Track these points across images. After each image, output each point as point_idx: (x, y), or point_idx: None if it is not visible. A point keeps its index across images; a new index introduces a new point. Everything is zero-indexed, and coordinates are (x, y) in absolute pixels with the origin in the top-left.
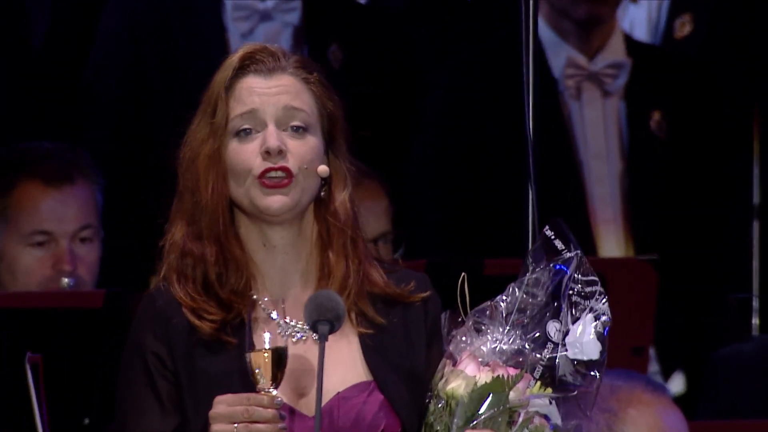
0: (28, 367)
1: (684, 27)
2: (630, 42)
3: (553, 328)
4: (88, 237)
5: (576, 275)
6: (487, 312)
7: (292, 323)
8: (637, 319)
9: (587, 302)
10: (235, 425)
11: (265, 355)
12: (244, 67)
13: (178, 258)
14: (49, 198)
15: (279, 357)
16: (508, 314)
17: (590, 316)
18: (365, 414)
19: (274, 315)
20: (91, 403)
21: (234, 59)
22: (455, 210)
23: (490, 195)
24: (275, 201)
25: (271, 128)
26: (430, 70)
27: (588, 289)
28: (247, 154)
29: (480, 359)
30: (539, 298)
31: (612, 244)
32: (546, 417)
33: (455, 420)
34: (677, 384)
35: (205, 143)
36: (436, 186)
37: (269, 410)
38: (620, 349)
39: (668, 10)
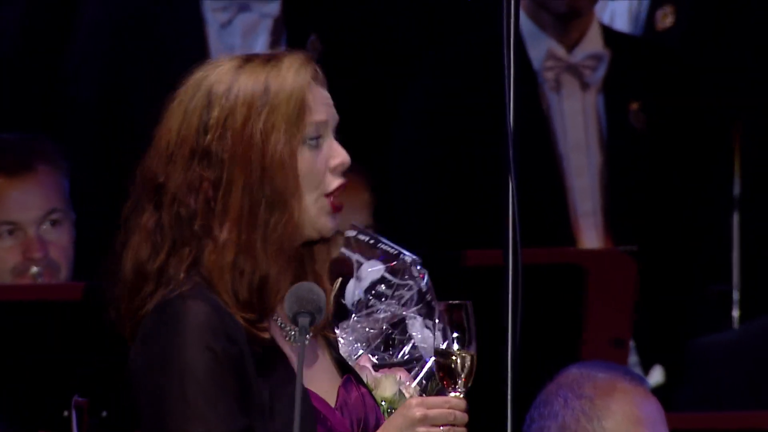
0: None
1: (666, 18)
2: (608, 33)
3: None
4: (57, 220)
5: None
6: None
7: (287, 328)
8: (616, 311)
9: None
10: (441, 428)
11: (461, 356)
12: (314, 74)
13: (232, 260)
14: (11, 189)
15: (473, 359)
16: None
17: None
18: (368, 402)
19: (280, 323)
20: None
21: (306, 63)
22: (436, 202)
23: (470, 187)
24: (336, 225)
25: (335, 143)
26: (411, 63)
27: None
28: (320, 166)
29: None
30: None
31: (592, 236)
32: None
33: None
34: (656, 376)
35: (289, 142)
36: (416, 178)
37: (465, 414)
38: (601, 341)
39: (650, 1)
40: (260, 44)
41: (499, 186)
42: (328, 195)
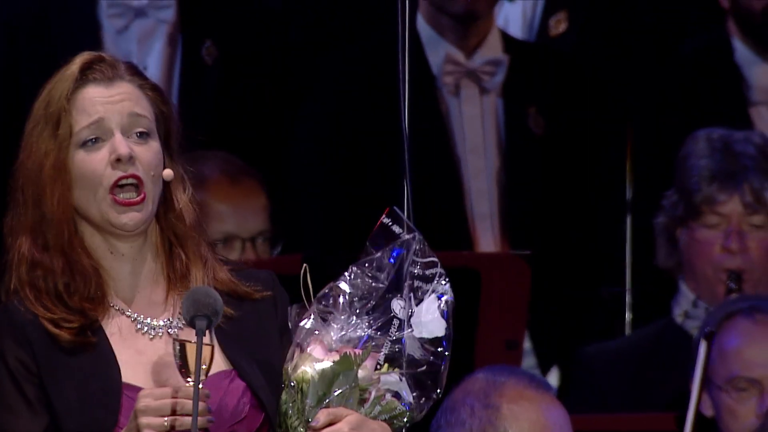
0: None
1: (559, 25)
2: (507, 39)
3: (397, 305)
4: None
5: (415, 257)
6: (331, 299)
7: (147, 320)
8: (510, 313)
9: (428, 285)
10: (166, 418)
11: (204, 347)
12: (83, 78)
13: (27, 270)
14: None
15: (210, 350)
16: (352, 301)
17: (433, 296)
18: (227, 401)
19: (128, 312)
20: None
21: (73, 70)
22: (333, 205)
23: (367, 190)
24: (131, 218)
25: (119, 136)
26: (306, 67)
27: (428, 272)
28: (95, 163)
29: (328, 347)
30: (381, 282)
31: (488, 239)
32: (398, 395)
33: (307, 401)
34: (552, 379)
35: (48, 155)
36: (314, 181)
37: (199, 403)
38: (494, 342)
39: (543, 8)
40: (156, 50)
41: (396, 188)
42: (111, 192)
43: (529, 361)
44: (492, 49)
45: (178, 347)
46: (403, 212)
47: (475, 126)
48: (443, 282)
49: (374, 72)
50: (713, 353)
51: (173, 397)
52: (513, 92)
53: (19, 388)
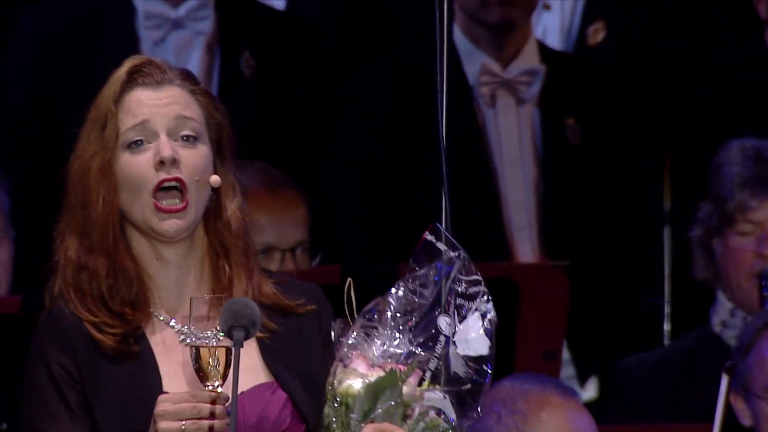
0: None
1: (597, 34)
2: (544, 49)
3: (443, 322)
4: None
5: (459, 275)
6: (375, 314)
7: (190, 331)
8: (549, 324)
9: (471, 303)
10: (183, 422)
11: (213, 351)
12: (131, 81)
13: (73, 273)
14: None
15: (227, 354)
16: (395, 317)
17: (476, 314)
18: (269, 412)
19: (172, 323)
20: (9, 408)
21: (121, 73)
22: (371, 216)
23: (405, 201)
24: (171, 225)
25: (164, 138)
26: (346, 79)
27: (472, 290)
28: (140, 166)
29: (370, 362)
30: (425, 299)
31: (526, 249)
32: (441, 412)
33: (353, 415)
34: (591, 389)
35: (95, 157)
36: (352, 193)
37: (217, 406)
38: (532, 353)
39: (581, 17)
40: (194, 61)
41: (434, 200)
42: (154, 195)
43: (567, 372)
44: (528, 59)
45: (194, 352)
46: (442, 224)
47: (512, 137)
48: (486, 301)
49: (411, 83)
50: (750, 362)
51: (191, 402)
52: (550, 102)
53: (61, 394)
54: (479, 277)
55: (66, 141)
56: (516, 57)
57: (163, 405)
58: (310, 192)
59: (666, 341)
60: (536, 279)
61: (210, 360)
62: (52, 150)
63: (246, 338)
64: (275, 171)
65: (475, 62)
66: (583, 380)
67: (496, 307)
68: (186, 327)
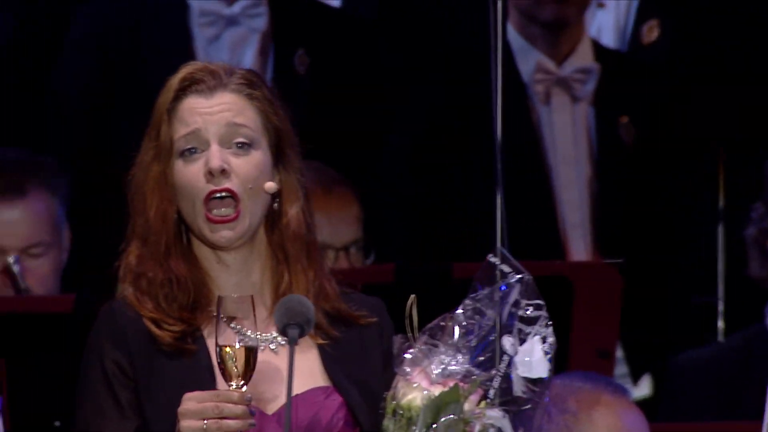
0: None
1: (652, 32)
2: (598, 47)
3: (508, 342)
4: (39, 253)
5: (521, 299)
6: (438, 333)
7: (248, 333)
8: (602, 322)
9: (531, 327)
10: (205, 421)
11: (237, 350)
12: (184, 89)
13: (133, 280)
14: None
15: (250, 354)
16: (456, 336)
17: (537, 338)
18: (322, 416)
19: (232, 324)
20: (62, 406)
21: (174, 81)
22: (425, 215)
23: (459, 200)
24: (223, 236)
25: (214, 147)
26: (399, 77)
27: (533, 314)
28: (191, 175)
29: (430, 378)
30: (487, 320)
31: (580, 248)
32: (500, 431)
33: (414, 428)
34: (645, 387)
35: (151, 166)
36: (406, 191)
37: (239, 406)
38: (587, 352)
39: (635, 15)
40: (248, 59)
41: (488, 199)
42: (205, 205)
43: (620, 370)
44: (583, 57)
45: (219, 351)
46: (496, 222)
47: (566, 135)
48: (546, 325)
49: (465, 81)
50: None
51: (214, 401)
52: (604, 101)
53: (112, 390)
54: (541, 302)
55: (122, 139)
56: (570, 55)
57: (186, 403)
58: (364, 190)
59: (720, 340)
60: (590, 277)
61: (231, 360)
62: (108, 148)
63: (301, 336)
64: (329, 169)
65: (530, 60)
66: (636, 378)
67: (549, 305)
68: (238, 326)
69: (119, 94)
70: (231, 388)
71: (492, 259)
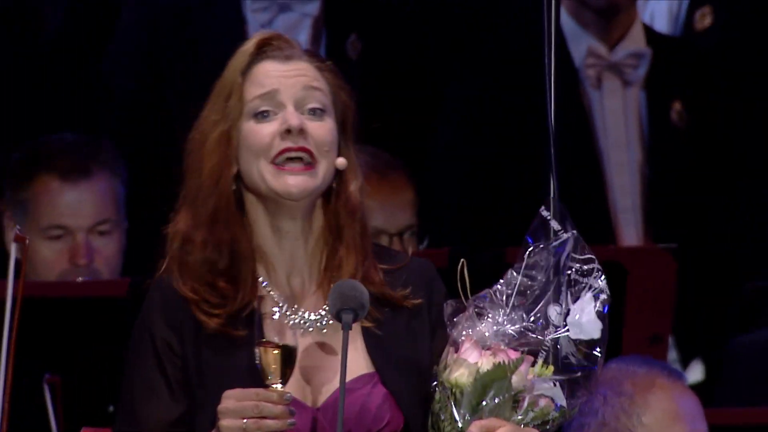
0: (46, 387)
1: (704, 19)
2: (650, 33)
3: (554, 311)
4: (106, 230)
5: (573, 254)
6: (488, 298)
7: (298, 314)
8: (656, 307)
9: (586, 279)
10: (245, 420)
11: (275, 351)
12: (261, 53)
13: (180, 246)
14: (65, 193)
15: (289, 354)
16: (508, 297)
17: (589, 295)
18: (370, 406)
19: (281, 303)
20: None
21: (250, 46)
22: (478, 199)
23: (512, 184)
24: (298, 183)
25: (291, 109)
26: (451, 61)
27: (586, 267)
28: (263, 134)
29: (481, 343)
30: (538, 280)
31: (632, 233)
32: (551, 398)
33: (461, 410)
34: (696, 372)
35: (215, 126)
36: (459, 176)
37: (279, 406)
38: (640, 337)
39: (689, 1)
40: (300, 44)
41: (541, 183)
42: (275, 161)
43: (670, 355)
44: (635, 41)
45: (257, 351)
46: (550, 207)
47: (618, 119)
48: (600, 278)
49: (518, 66)
50: None
51: (254, 400)
52: (656, 86)
53: (163, 370)
54: (592, 255)
55: (175, 124)
56: (622, 40)
57: (226, 401)
58: (418, 175)
59: None
60: (644, 262)
61: (267, 359)
62: (162, 133)
63: (355, 320)
64: (383, 154)
65: (581, 45)
66: (686, 363)
67: None
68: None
69: (170, 79)
70: (271, 387)
71: (544, 212)
